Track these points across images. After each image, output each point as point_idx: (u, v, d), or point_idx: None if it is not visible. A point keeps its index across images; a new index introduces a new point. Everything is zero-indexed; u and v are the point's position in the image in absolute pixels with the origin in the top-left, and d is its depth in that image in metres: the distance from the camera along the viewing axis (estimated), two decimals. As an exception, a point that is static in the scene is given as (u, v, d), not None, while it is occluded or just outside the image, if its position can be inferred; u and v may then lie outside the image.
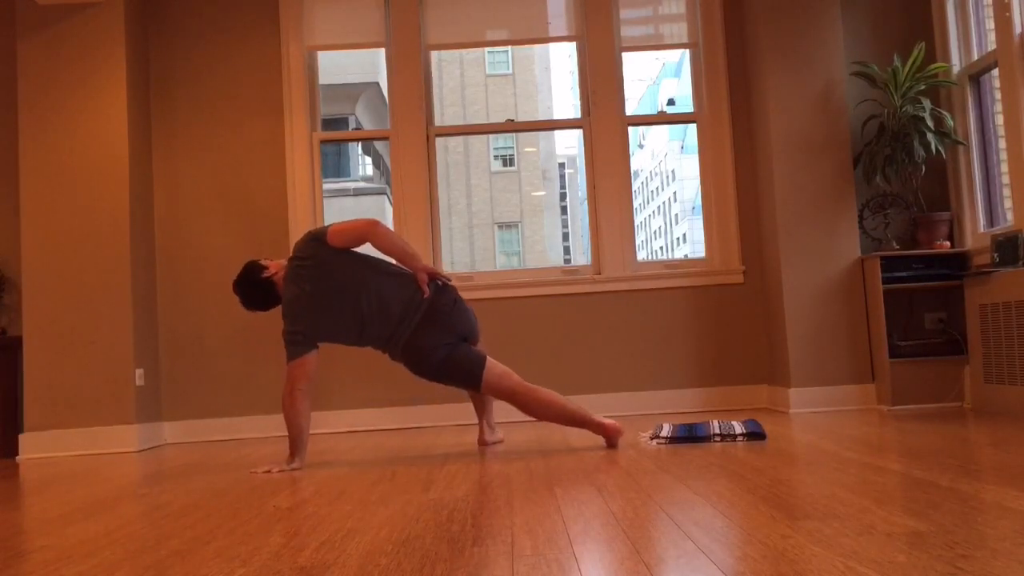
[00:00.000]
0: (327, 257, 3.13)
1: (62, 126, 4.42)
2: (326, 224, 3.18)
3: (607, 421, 3.20)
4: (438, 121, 18.31)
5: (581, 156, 34.80)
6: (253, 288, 3.24)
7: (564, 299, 4.72)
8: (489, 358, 3.17)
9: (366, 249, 3.23)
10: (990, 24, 4.21)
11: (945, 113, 4.35)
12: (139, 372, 4.39)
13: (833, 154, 4.41)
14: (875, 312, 4.27)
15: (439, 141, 4.97)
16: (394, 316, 3.11)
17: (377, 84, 18.15)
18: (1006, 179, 4.17)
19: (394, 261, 3.22)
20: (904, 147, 4.27)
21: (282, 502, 2.37)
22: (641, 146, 58.16)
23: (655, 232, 56.13)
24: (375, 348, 3.22)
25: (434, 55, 7.83)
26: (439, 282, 3.20)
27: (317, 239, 3.14)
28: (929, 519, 1.68)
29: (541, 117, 30.33)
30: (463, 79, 29.35)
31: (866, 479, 2.19)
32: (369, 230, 3.09)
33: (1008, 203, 4.15)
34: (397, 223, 4.79)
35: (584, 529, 1.78)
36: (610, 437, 3.21)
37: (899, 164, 4.29)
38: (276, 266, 3.26)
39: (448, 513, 2.05)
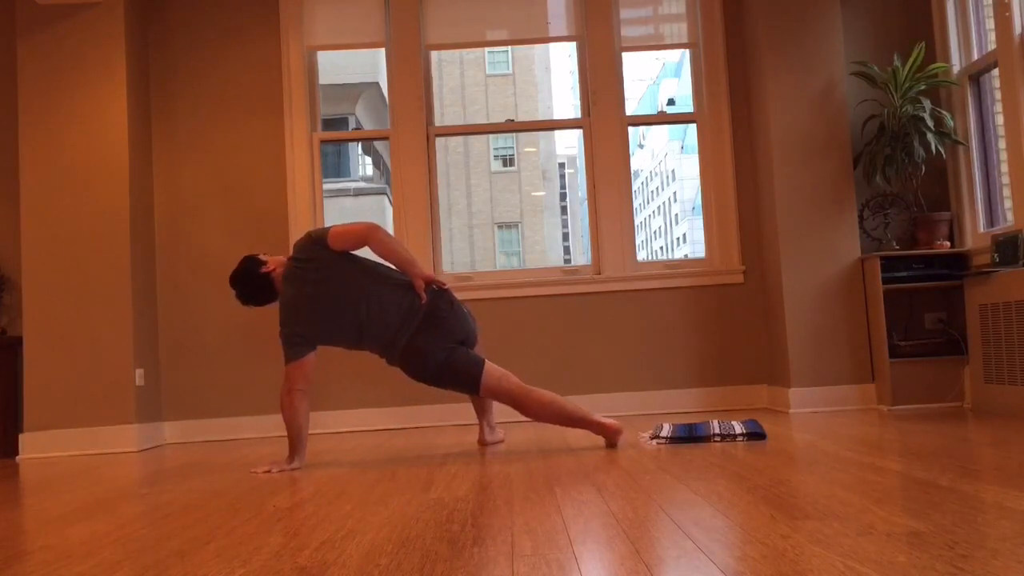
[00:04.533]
0: (327, 261, 3.11)
1: (62, 126, 4.42)
2: (326, 226, 3.16)
3: (607, 421, 3.20)
4: (438, 121, 18.30)
5: (581, 156, 34.79)
6: (251, 282, 3.22)
7: (564, 299, 4.72)
8: (488, 361, 3.16)
9: (365, 253, 3.23)
10: (990, 24, 4.21)
11: (945, 113, 4.35)
12: (139, 372, 4.39)
13: (833, 154, 4.41)
14: (875, 312, 4.27)
15: (439, 141, 4.97)
16: (392, 323, 3.11)
17: (377, 84, 18.14)
18: (1006, 179, 4.17)
19: (392, 267, 3.22)
20: (904, 147, 4.27)
21: (282, 502, 2.37)
22: (641, 146, 58.14)
23: (655, 232, 56.12)
24: (373, 352, 3.21)
25: (434, 55, 7.83)
26: (435, 287, 3.19)
27: (318, 242, 3.12)
28: (929, 519, 1.68)
29: (541, 117, 30.32)
30: (463, 79, 29.35)
31: (866, 479, 2.19)
32: (368, 234, 3.08)
33: (1008, 203, 4.15)
34: (397, 223, 4.79)
35: (584, 529, 1.78)
36: (610, 437, 3.21)
37: (899, 164, 4.29)
38: (275, 262, 3.24)
39: (448, 513, 2.05)
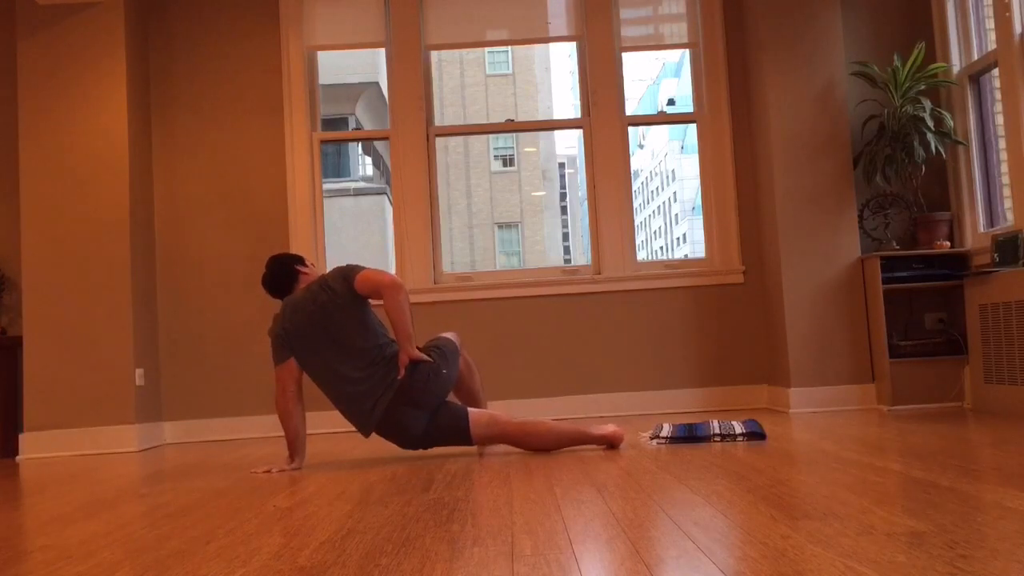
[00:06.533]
0: (345, 296, 3.12)
1: (62, 126, 4.42)
2: (363, 265, 3.18)
3: (607, 430, 3.19)
4: (438, 121, 18.28)
5: (581, 156, 34.78)
6: (279, 266, 3.29)
7: (564, 299, 4.72)
8: (470, 410, 3.16)
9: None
10: (990, 24, 4.21)
11: (945, 113, 4.35)
12: (139, 372, 4.39)
13: (833, 154, 4.41)
14: (875, 312, 4.27)
15: (439, 141, 4.97)
16: (358, 385, 3.10)
17: (377, 84, 18.13)
18: (1006, 179, 4.17)
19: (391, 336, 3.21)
20: (904, 147, 4.27)
21: (282, 502, 2.37)
22: (641, 146, 58.13)
23: (655, 232, 56.11)
24: (341, 412, 3.19)
25: (434, 55, 7.83)
26: (418, 365, 3.13)
27: (348, 277, 3.14)
28: (929, 519, 1.68)
29: (541, 117, 30.31)
30: (463, 79, 29.34)
31: (866, 479, 2.19)
32: (389, 291, 3.07)
33: (1008, 203, 4.15)
34: (397, 223, 4.79)
35: (584, 529, 1.78)
36: (611, 443, 3.20)
37: (899, 164, 4.30)
38: (312, 272, 3.32)
39: (448, 513, 2.05)
